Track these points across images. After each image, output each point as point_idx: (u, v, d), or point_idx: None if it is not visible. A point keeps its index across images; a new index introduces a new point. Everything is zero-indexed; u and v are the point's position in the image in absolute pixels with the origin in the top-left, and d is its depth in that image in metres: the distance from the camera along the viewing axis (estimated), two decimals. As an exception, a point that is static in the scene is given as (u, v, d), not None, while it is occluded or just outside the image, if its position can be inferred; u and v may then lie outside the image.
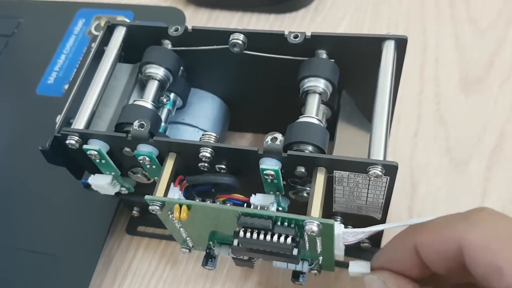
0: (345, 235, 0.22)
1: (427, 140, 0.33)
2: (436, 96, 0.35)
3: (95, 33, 0.40)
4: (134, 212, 0.32)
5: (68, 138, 0.24)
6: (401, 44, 0.24)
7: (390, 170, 0.21)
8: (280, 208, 0.25)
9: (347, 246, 0.23)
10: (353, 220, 0.26)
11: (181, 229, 0.25)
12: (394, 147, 0.33)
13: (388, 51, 0.24)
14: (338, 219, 0.26)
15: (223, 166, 0.24)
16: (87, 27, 0.41)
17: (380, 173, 0.21)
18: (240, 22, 0.41)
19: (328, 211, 0.26)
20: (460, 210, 0.29)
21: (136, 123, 0.23)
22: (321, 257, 0.24)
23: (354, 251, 0.27)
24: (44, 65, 0.39)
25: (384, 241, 0.28)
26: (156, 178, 0.26)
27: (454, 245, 0.19)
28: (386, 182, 0.22)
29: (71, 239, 0.31)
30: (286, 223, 0.21)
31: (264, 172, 0.22)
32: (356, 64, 0.26)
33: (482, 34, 0.37)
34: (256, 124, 0.34)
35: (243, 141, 0.34)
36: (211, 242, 0.26)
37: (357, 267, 0.24)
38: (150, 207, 0.23)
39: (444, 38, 0.37)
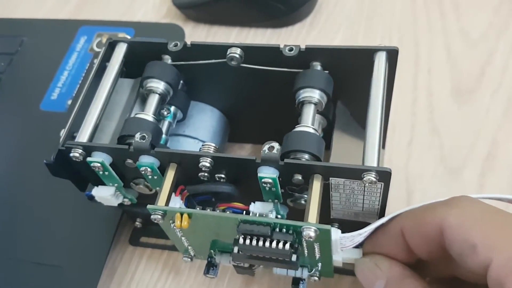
0: (342, 240, 0.23)
1: (422, 148, 0.34)
2: (429, 106, 0.35)
3: (97, 49, 0.41)
4: (137, 223, 0.32)
5: (72, 151, 0.25)
6: (392, 55, 0.25)
7: (384, 176, 0.21)
8: (279, 216, 0.26)
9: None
10: (351, 227, 0.26)
11: (183, 238, 0.26)
12: (390, 156, 0.33)
13: (380, 62, 0.25)
14: (336, 226, 0.27)
15: (223, 175, 0.24)
16: (89, 44, 0.42)
17: (374, 179, 0.21)
18: (238, 37, 0.42)
19: (326, 218, 0.26)
20: None
21: (138, 135, 0.24)
22: (320, 263, 0.25)
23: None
24: (48, 81, 0.40)
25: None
26: (157, 188, 0.26)
27: (435, 228, 0.21)
28: (381, 188, 0.22)
29: (76, 250, 0.31)
30: (284, 230, 0.22)
31: (262, 180, 0.23)
32: (350, 75, 0.26)
33: (473, 45, 0.38)
34: (254, 135, 0.34)
35: (242, 151, 0.35)
36: (212, 251, 0.26)
37: (349, 253, 0.24)
38: (152, 216, 0.23)
39: (436, 50, 0.38)
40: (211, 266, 0.27)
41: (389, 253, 0.23)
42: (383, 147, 0.33)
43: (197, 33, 0.43)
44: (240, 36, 0.42)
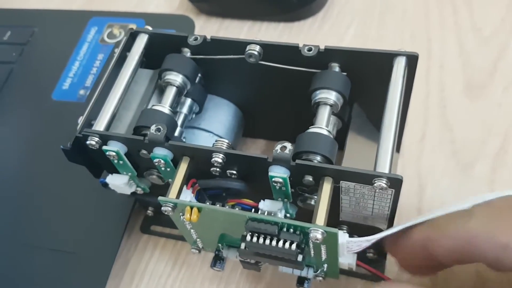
0: (349, 244, 0.23)
1: (434, 143, 0.34)
2: (442, 101, 0.35)
3: (108, 40, 0.42)
4: (148, 211, 0.33)
5: (89, 139, 0.25)
6: (412, 60, 0.25)
7: (395, 183, 0.21)
8: (288, 215, 0.26)
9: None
10: (359, 230, 0.26)
11: (192, 230, 0.26)
12: (402, 150, 0.33)
13: (399, 67, 0.24)
14: (345, 228, 0.27)
15: (234, 172, 0.25)
16: (99, 34, 0.42)
17: (384, 186, 0.21)
18: (250, 31, 0.42)
19: (335, 220, 0.26)
20: None
21: (153, 127, 0.24)
22: (325, 265, 0.25)
23: (360, 261, 0.27)
24: (59, 71, 0.40)
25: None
26: (170, 180, 0.27)
27: (460, 240, 0.21)
28: (391, 195, 0.22)
29: (89, 237, 0.32)
30: (292, 230, 0.22)
31: (273, 179, 0.23)
32: (368, 78, 0.26)
33: (485, 41, 0.38)
34: (269, 131, 0.34)
35: (255, 147, 0.35)
36: (220, 244, 0.27)
37: (344, 258, 0.24)
38: (162, 208, 0.24)
39: (448, 45, 0.38)
40: (218, 260, 0.27)
41: (411, 259, 0.24)
42: (398, 150, 0.33)
43: (209, 27, 0.43)
44: (252, 30, 0.42)
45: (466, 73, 0.36)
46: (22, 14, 0.46)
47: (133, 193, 0.29)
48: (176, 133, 0.28)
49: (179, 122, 0.29)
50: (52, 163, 0.33)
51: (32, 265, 0.32)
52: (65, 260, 0.31)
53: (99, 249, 0.31)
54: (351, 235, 0.27)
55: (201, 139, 0.30)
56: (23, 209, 0.34)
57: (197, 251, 0.28)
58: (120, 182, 0.27)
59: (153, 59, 0.29)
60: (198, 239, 0.27)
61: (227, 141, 0.24)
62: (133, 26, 0.42)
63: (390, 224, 0.25)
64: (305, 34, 0.41)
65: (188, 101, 0.29)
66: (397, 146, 0.29)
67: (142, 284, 0.31)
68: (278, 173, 0.23)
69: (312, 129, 0.24)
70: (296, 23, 0.42)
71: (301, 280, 0.26)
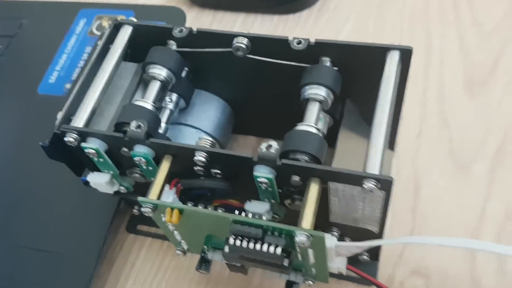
0: (338, 248, 0.22)
1: (431, 141, 0.32)
2: (440, 97, 0.34)
3: (97, 32, 0.40)
4: (134, 210, 0.32)
5: (67, 136, 0.24)
6: (405, 54, 0.23)
7: (385, 184, 0.20)
8: (275, 216, 0.25)
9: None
10: (350, 231, 0.25)
11: (175, 231, 0.25)
12: (398, 148, 0.32)
13: (392, 62, 0.23)
14: (335, 230, 0.25)
15: (218, 171, 0.23)
16: (88, 27, 0.41)
17: (374, 187, 0.20)
18: (244, 23, 0.41)
19: (325, 221, 0.25)
20: (463, 211, 0.29)
21: (133, 124, 0.23)
22: (314, 269, 0.24)
23: (352, 264, 0.26)
24: (46, 64, 0.39)
25: (383, 255, 0.28)
26: (152, 178, 0.26)
27: None
28: (382, 197, 0.21)
29: (73, 236, 0.31)
30: (277, 233, 0.21)
31: (258, 179, 0.22)
32: (361, 73, 0.25)
33: (486, 36, 0.36)
34: (261, 127, 0.33)
35: (246, 144, 0.34)
36: (205, 246, 0.26)
37: (333, 263, 0.23)
38: (142, 209, 0.22)
39: (448, 40, 0.37)
40: (203, 262, 0.26)
41: None
42: (392, 148, 0.32)
43: (202, 19, 0.41)
44: (246, 23, 0.41)
45: (466, 69, 0.35)
46: (10, 5, 0.44)
47: (117, 192, 0.28)
48: (160, 130, 0.27)
49: (164, 118, 0.28)
50: (36, 159, 0.32)
51: (16, 265, 0.31)
52: (49, 260, 0.30)
53: (83, 249, 0.30)
54: (341, 238, 0.26)
55: (188, 136, 0.29)
56: (6, 207, 0.33)
57: (182, 253, 0.27)
58: (101, 181, 0.26)
59: (138, 51, 0.28)
60: (182, 241, 0.26)
61: (211, 139, 0.23)
62: (123, 17, 0.41)
63: (382, 226, 0.24)
64: (300, 27, 0.40)
65: (174, 96, 0.28)
66: (392, 144, 0.28)
67: (127, 285, 0.30)
68: (263, 173, 0.22)
69: (300, 127, 0.23)
70: (292, 15, 0.40)
71: (289, 284, 0.25)
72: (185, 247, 0.27)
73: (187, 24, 0.40)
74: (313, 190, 0.21)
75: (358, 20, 0.39)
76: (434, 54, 0.36)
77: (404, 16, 0.38)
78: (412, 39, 0.37)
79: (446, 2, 0.39)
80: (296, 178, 0.22)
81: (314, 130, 0.23)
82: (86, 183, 0.27)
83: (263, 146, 0.22)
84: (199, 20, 0.41)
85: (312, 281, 0.25)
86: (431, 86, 0.35)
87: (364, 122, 0.28)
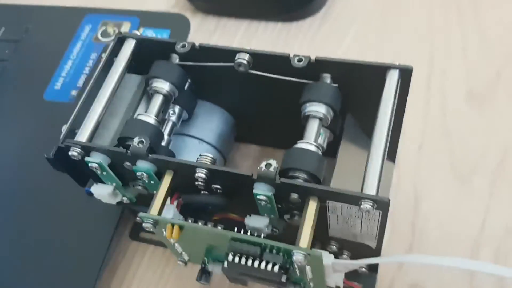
0: (335, 265, 0.22)
1: (432, 153, 0.33)
2: (442, 109, 0.34)
3: (102, 39, 0.41)
4: (137, 218, 0.32)
5: (71, 150, 0.25)
6: (405, 74, 0.24)
7: (382, 205, 0.21)
8: (275, 230, 0.25)
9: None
10: (349, 246, 0.26)
11: (176, 244, 0.25)
12: (398, 160, 0.32)
13: (392, 81, 0.23)
14: (334, 244, 0.26)
15: (219, 187, 0.24)
16: (93, 33, 0.41)
17: (371, 208, 0.20)
18: (247, 31, 0.41)
19: (324, 235, 0.26)
20: (463, 225, 0.29)
21: (136, 140, 0.24)
22: (312, 283, 0.24)
23: (351, 275, 0.27)
24: (52, 70, 0.39)
25: (381, 267, 0.28)
26: (155, 192, 0.26)
27: None
28: (379, 216, 0.22)
29: (77, 242, 0.32)
30: (274, 251, 0.21)
31: (258, 196, 0.22)
32: (361, 89, 0.25)
33: (490, 46, 0.36)
34: (263, 137, 0.34)
35: (249, 153, 0.34)
36: (206, 258, 0.26)
37: (330, 277, 0.23)
38: (143, 224, 0.23)
39: (451, 50, 0.37)
40: (204, 273, 0.27)
41: None
42: (393, 160, 0.32)
43: (206, 25, 0.42)
44: (249, 30, 0.41)
45: (469, 80, 0.35)
46: (16, 10, 0.45)
47: (119, 203, 0.28)
48: (163, 143, 0.27)
49: (167, 131, 0.28)
50: (41, 167, 0.32)
51: (19, 271, 0.31)
52: (52, 266, 0.31)
53: (86, 255, 0.31)
54: (340, 251, 0.26)
55: (191, 147, 0.30)
56: (11, 213, 0.34)
57: (183, 263, 0.27)
58: (104, 193, 0.27)
59: (142, 64, 0.28)
60: (183, 252, 0.26)
61: (211, 156, 0.24)
62: (127, 24, 0.41)
63: (380, 242, 0.24)
64: (303, 35, 0.40)
65: (177, 108, 0.29)
66: (392, 156, 0.28)
67: (130, 292, 0.31)
68: (263, 191, 0.22)
69: (299, 145, 0.24)
70: (295, 23, 0.41)
71: (287, 297, 0.25)
72: (186, 258, 0.27)
73: (191, 31, 0.41)
74: (311, 208, 0.22)
75: (361, 28, 0.39)
76: (436, 64, 0.36)
77: (407, 24, 0.39)
78: (414, 49, 0.37)
79: (450, 13, 0.38)
80: (294, 195, 0.22)
81: (313, 148, 0.23)
82: (90, 194, 0.27)
83: (263, 164, 0.22)
84: (203, 26, 0.42)
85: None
86: (433, 98, 0.35)
87: (364, 135, 0.28)
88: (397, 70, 0.23)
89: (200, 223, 0.24)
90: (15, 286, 0.31)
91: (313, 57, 0.25)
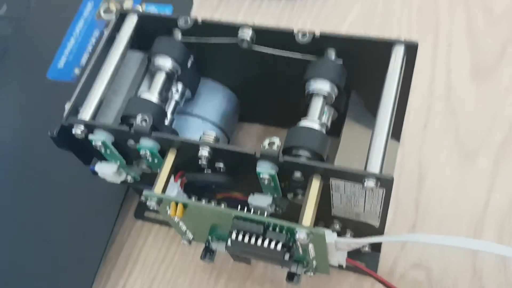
0: (337, 244, 0.22)
1: (437, 131, 0.32)
2: (447, 85, 0.34)
3: (104, 16, 0.40)
4: (142, 197, 0.32)
5: (74, 128, 0.25)
6: (411, 49, 0.23)
7: (385, 183, 0.20)
8: (278, 208, 0.25)
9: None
10: (352, 225, 0.26)
11: (180, 222, 0.25)
12: (403, 138, 0.32)
13: (397, 57, 0.23)
14: (337, 223, 0.26)
15: (222, 165, 0.24)
16: (96, 10, 0.41)
17: (374, 186, 0.20)
18: (250, 8, 0.40)
19: (327, 214, 0.25)
20: (467, 204, 0.29)
21: (139, 118, 0.24)
22: (315, 261, 0.24)
23: (354, 254, 0.27)
24: (54, 49, 0.39)
25: (384, 246, 0.28)
26: (158, 170, 0.26)
27: None
28: (382, 194, 0.21)
29: (82, 222, 0.32)
30: (278, 229, 0.21)
31: (261, 175, 0.22)
32: (366, 65, 0.25)
33: (496, 21, 0.36)
34: (267, 116, 0.33)
35: (252, 132, 0.34)
36: (210, 237, 0.26)
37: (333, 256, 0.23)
38: (147, 202, 0.23)
39: (457, 23, 0.36)
40: (208, 252, 0.27)
41: None
42: (398, 139, 0.31)
43: (209, 1, 0.41)
44: (253, 6, 0.40)
45: (474, 54, 0.35)
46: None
47: (124, 182, 0.28)
48: (166, 122, 0.27)
49: (170, 109, 0.28)
50: (45, 146, 0.32)
51: (24, 251, 0.31)
52: (58, 247, 0.31)
53: (92, 234, 0.31)
54: (343, 230, 0.26)
55: (194, 126, 0.29)
56: (15, 193, 0.34)
57: (187, 242, 0.27)
58: (109, 171, 0.27)
59: (144, 40, 0.28)
60: (187, 231, 0.26)
61: (214, 134, 0.23)
62: (130, 1, 0.40)
63: (383, 221, 0.24)
64: (307, 12, 0.39)
65: (180, 86, 0.28)
66: (397, 134, 0.28)
67: (135, 270, 0.31)
68: (266, 169, 0.22)
69: (303, 123, 0.23)
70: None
71: (291, 275, 0.25)
72: (190, 236, 0.27)
73: (194, 7, 0.40)
74: (314, 187, 0.22)
75: (365, 5, 0.38)
76: (442, 40, 0.36)
77: (411, 1, 0.38)
78: (419, 24, 0.36)
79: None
80: (298, 174, 0.22)
81: (317, 126, 0.23)
82: (95, 172, 0.27)
83: (266, 142, 0.22)
84: (206, 3, 0.41)
85: (312, 272, 0.25)
86: (439, 73, 0.34)
87: (369, 113, 0.28)
88: (403, 46, 0.23)
89: (204, 201, 0.24)
90: (22, 261, 0.31)
91: (317, 33, 0.24)
